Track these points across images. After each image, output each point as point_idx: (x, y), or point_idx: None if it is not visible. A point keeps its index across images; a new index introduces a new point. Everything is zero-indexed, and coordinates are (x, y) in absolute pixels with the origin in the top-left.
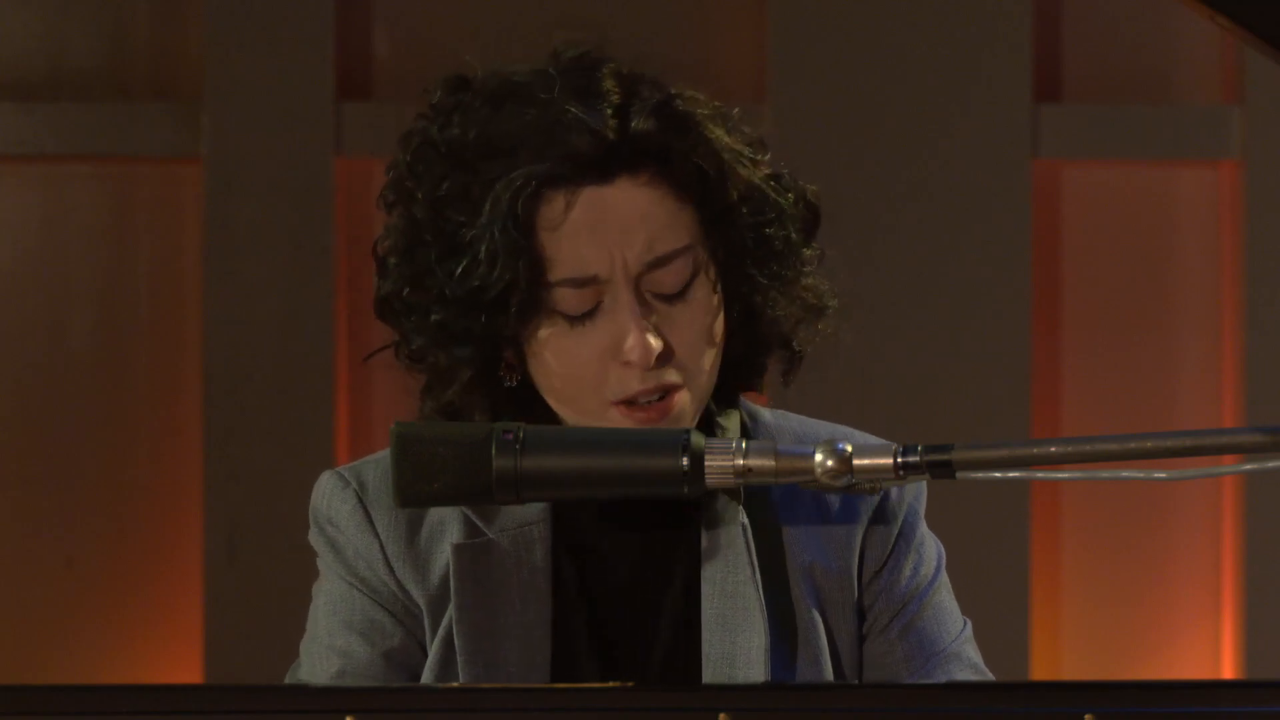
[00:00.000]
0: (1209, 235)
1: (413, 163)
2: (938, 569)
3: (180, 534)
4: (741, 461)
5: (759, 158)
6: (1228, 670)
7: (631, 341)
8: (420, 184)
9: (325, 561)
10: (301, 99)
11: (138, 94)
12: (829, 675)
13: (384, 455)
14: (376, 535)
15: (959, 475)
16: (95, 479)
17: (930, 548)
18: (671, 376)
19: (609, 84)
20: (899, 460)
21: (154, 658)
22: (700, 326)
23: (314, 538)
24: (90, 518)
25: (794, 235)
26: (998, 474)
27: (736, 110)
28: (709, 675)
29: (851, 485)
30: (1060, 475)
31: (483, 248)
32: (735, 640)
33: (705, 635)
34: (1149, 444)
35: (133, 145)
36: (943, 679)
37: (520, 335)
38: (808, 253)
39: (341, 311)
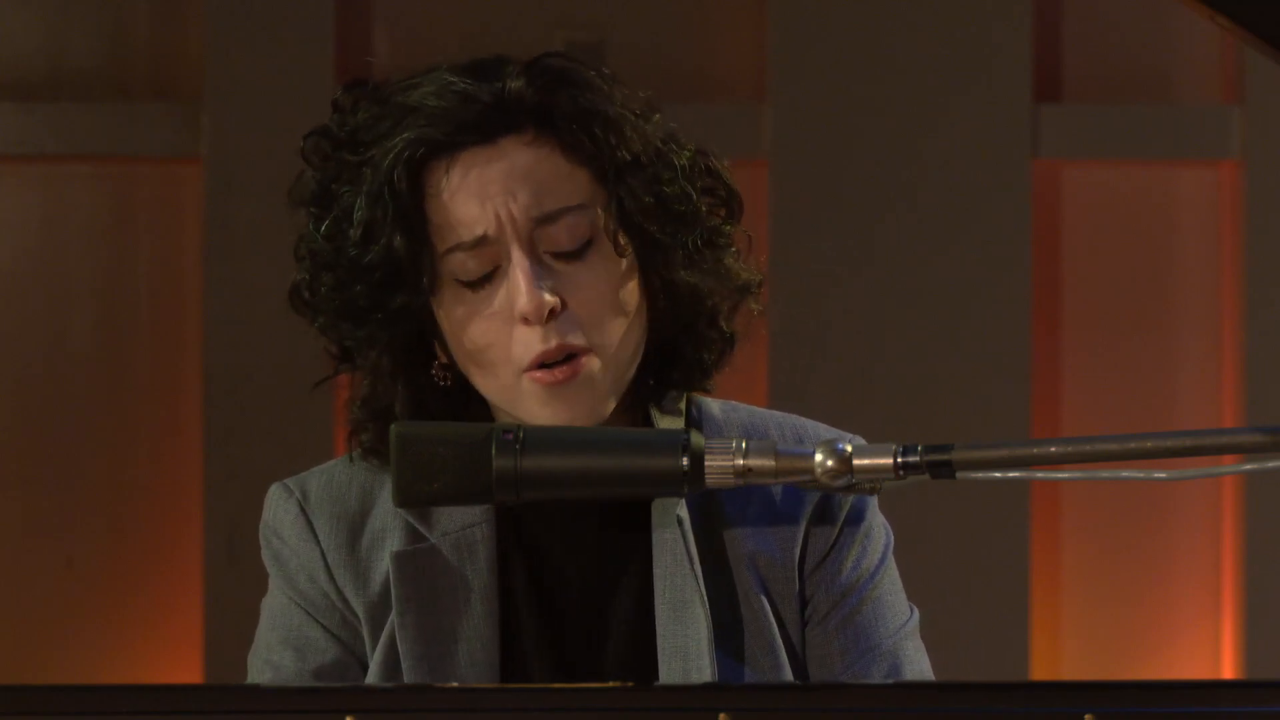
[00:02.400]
0: (1209, 235)
1: (307, 151)
2: (882, 560)
3: (180, 534)
4: (742, 461)
5: (651, 117)
6: (1228, 670)
7: (522, 295)
8: (316, 170)
9: (271, 577)
10: (301, 99)
11: (138, 94)
12: (784, 665)
13: (331, 465)
14: (318, 543)
15: (959, 475)
16: (95, 479)
17: (877, 538)
18: (575, 339)
19: (510, 67)
20: (899, 460)
21: (154, 658)
22: (602, 289)
23: (263, 553)
24: (90, 518)
25: (695, 195)
26: (998, 474)
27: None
28: (665, 667)
29: (852, 485)
30: (1060, 475)
31: (359, 214)
32: (686, 632)
33: (660, 629)
34: (1149, 444)
35: (133, 145)
36: (877, 675)
37: (428, 312)
38: (727, 227)
39: None
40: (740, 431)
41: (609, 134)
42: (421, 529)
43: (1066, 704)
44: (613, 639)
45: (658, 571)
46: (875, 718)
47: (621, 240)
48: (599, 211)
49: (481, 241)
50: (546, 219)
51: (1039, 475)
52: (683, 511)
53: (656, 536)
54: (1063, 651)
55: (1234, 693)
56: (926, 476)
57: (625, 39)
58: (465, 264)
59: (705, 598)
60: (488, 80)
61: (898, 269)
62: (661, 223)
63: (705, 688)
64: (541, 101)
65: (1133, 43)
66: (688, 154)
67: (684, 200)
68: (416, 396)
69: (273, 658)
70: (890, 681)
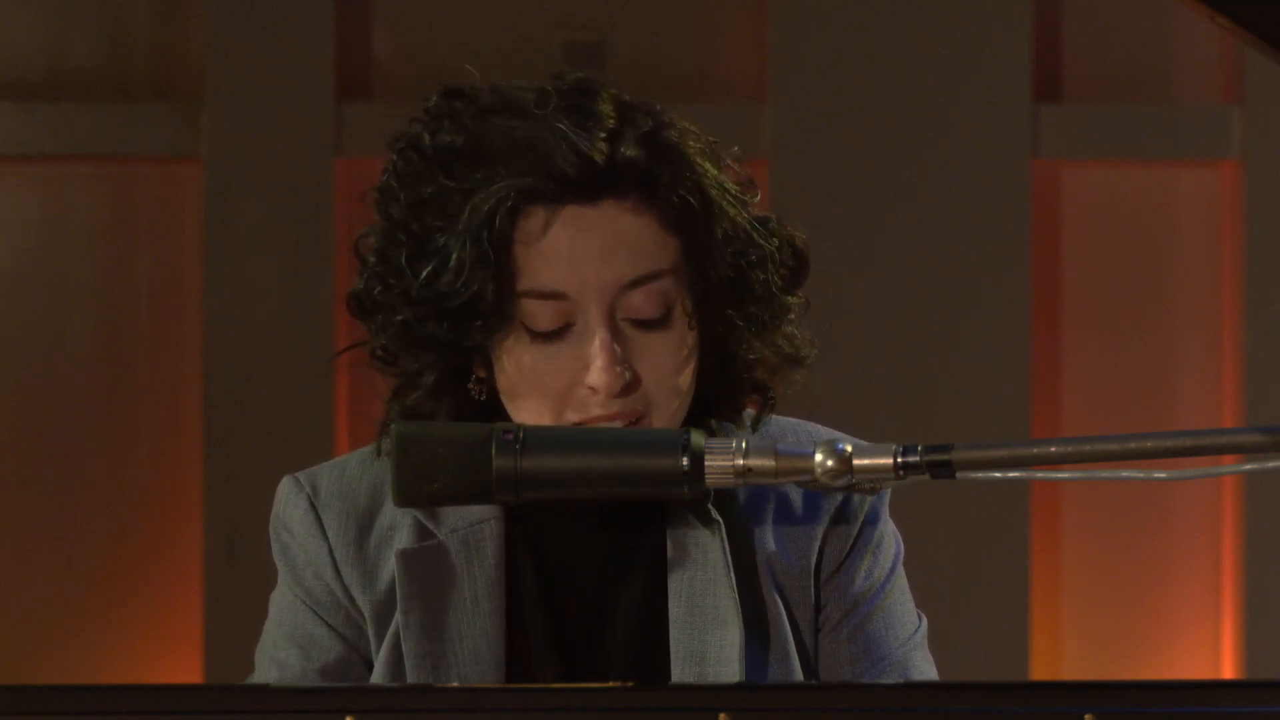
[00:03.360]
0: (1209, 235)
1: (398, 165)
2: (892, 569)
3: (180, 534)
4: (741, 461)
5: (747, 198)
6: (1228, 670)
7: (598, 370)
8: (403, 185)
9: (280, 572)
10: (301, 99)
11: (138, 94)
12: (797, 669)
13: (343, 460)
14: (325, 539)
15: (959, 475)
16: (95, 479)
17: (888, 547)
18: (635, 405)
19: (605, 108)
20: (899, 460)
21: (154, 658)
22: (672, 358)
23: (272, 546)
24: (90, 518)
25: (775, 280)
26: (998, 474)
27: (736, 149)
28: (678, 671)
29: (851, 485)
30: (1060, 475)
31: (453, 255)
32: (705, 638)
33: (673, 633)
34: (1149, 444)
35: (133, 145)
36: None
37: (486, 345)
38: (791, 300)
39: (341, 311)
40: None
41: (708, 213)
42: (430, 526)
43: (1066, 704)
44: (619, 640)
45: (673, 573)
46: (876, 718)
47: (695, 311)
48: (681, 280)
49: (561, 297)
50: (633, 285)
51: (1039, 475)
52: (718, 516)
53: (675, 539)
54: (1063, 651)
55: (1234, 693)
56: (926, 476)
57: (625, 39)
58: (539, 313)
59: (739, 605)
60: (594, 131)
61: (898, 269)
62: (738, 306)
63: (705, 688)
64: (652, 172)
65: (1133, 43)
66: (775, 240)
67: (764, 286)
68: (453, 406)
69: (278, 654)
70: (889, 681)
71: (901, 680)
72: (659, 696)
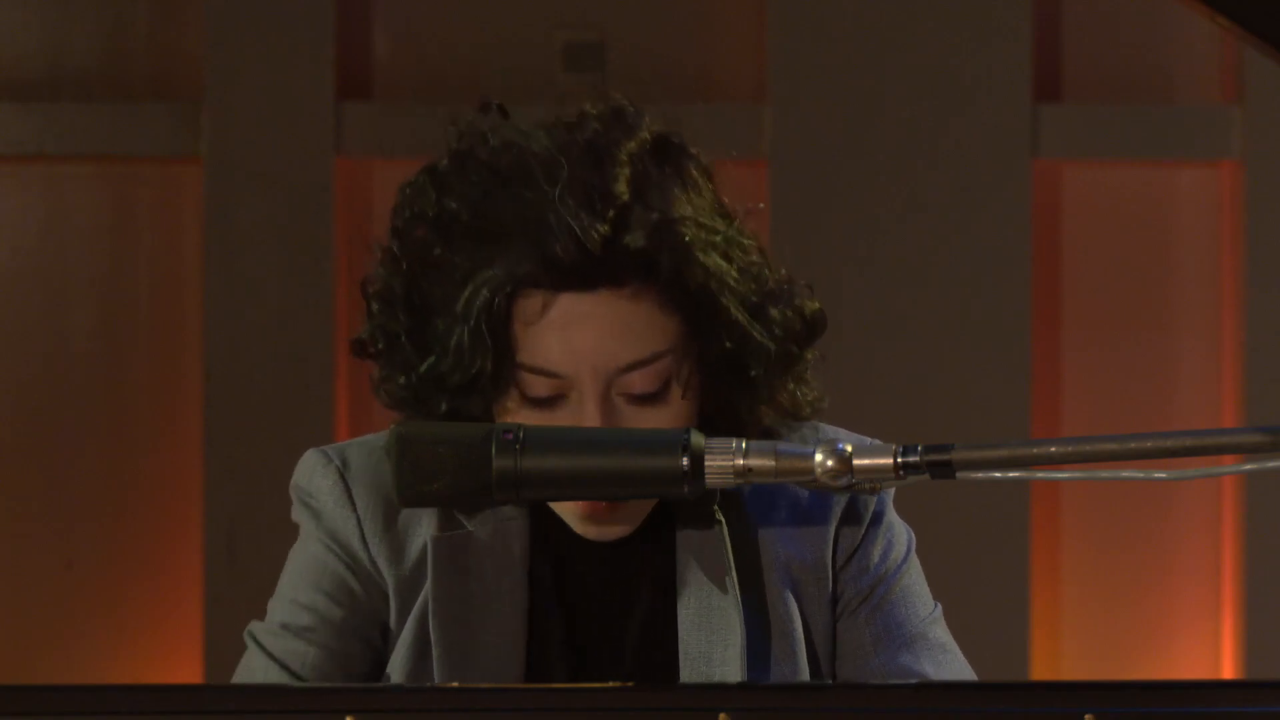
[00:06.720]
0: (1209, 235)
1: (403, 228)
2: (907, 553)
3: (180, 534)
4: (741, 461)
5: (753, 283)
6: (1228, 670)
7: None
8: (405, 250)
9: (305, 528)
10: (301, 99)
11: (138, 94)
12: (804, 670)
13: (370, 439)
14: (355, 511)
15: (959, 475)
16: (95, 479)
17: (900, 533)
18: None
19: (620, 178)
20: (899, 460)
21: (154, 658)
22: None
23: (295, 511)
24: (90, 518)
25: (777, 349)
26: (998, 474)
27: (734, 152)
28: (686, 673)
29: (851, 485)
30: (1060, 475)
31: (452, 342)
32: (712, 639)
33: (681, 634)
34: (1149, 444)
35: (133, 145)
36: (911, 661)
37: (486, 411)
38: (807, 356)
39: (341, 310)
40: None
41: (711, 301)
42: (460, 515)
43: (1066, 704)
44: (633, 639)
45: (682, 573)
46: (875, 717)
47: (694, 384)
48: (679, 356)
49: (558, 376)
50: (630, 368)
51: (1039, 475)
52: (721, 516)
53: (683, 539)
54: (1063, 651)
55: (1234, 693)
56: (926, 476)
57: (625, 39)
58: (536, 385)
59: (740, 604)
60: (595, 209)
61: (897, 269)
62: (738, 374)
63: (705, 688)
64: (655, 264)
65: (1133, 43)
66: (778, 331)
67: (767, 359)
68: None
69: (302, 599)
70: (893, 682)
71: (924, 654)
72: (659, 696)
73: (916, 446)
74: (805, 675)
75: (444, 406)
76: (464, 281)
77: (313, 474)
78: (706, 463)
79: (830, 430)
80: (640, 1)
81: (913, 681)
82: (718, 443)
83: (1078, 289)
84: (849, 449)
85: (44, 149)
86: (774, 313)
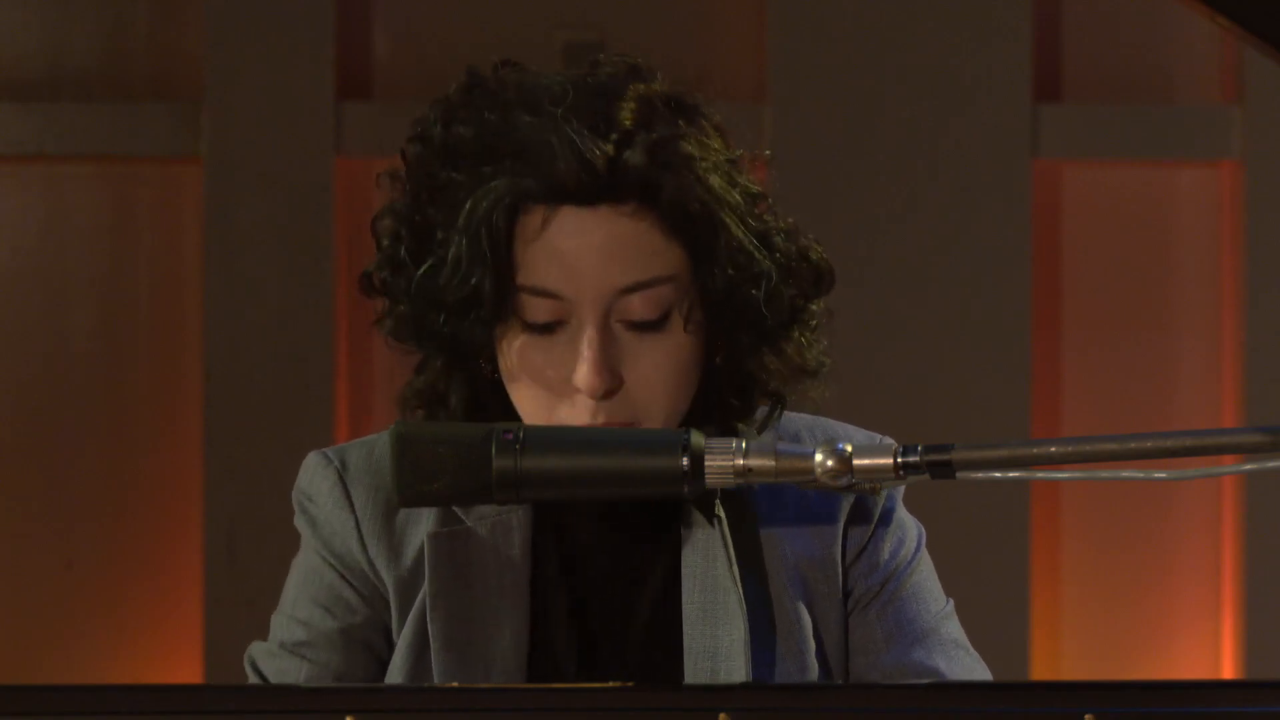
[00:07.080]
0: (1209, 235)
1: (408, 154)
2: (917, 549)
3: (180, 534)
4: (741, 461)
5: (757, 213)
6: (1228, 670)
7: (584, 370)
8: (410, 174)
9: (304, 538)
10: (301, 99)
11: (138, 94)
12: (812, 667)
13: (372, 439)
14: (353, 512)
15: (959, 475)
16: (95, 479)
17: (910, 529)
18: (621, 414)
19: (626, 109)
20: (899, 460)
21: (154, 658)
22: (665, 365)
23: (296, 518)
24: (90, 518)
25: (784, 292)
26: (998, 474)
27: (742, 152)
28: (690, 669)
29: (852, 485)
30: (1060, 475)
31: (450, 252)
32: (716, 634)
33: (686, 629)
34: (1149, 444)
35: (133, 145)
36: (924, 656)
37: (488, 338)
38: (814, 307)
39: (341, 310)
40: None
41: (710, 226)
42: (458, 511)
43: (1066, 704)
44: (639, 635)
45: (686, 571)
46: (875, 717)
47: (697, 317)
48: (682, 287)
49: (553, 296)
50: (629, 290)
51: (1039, 475)
52: (721, 511)
53: (687, 535)
54: (1063, 651)
55: (1234, 693)
56: (926, 476)
57: (625, 39)
58: (536, 308)
59: (742, 599)
60: (603, 134)
61: (897, 269)
62: (742, 314)
63: (705, 688)
64: (654, 181)
65: (1133, 43)
66: (780, 257)
67: (767, 304)
68: (470, 387)
69: (300, 614)
70: (893, 682)
71: (937, 648)
72: (659, 696)
73: (916, 446)
74: (813, 672)
75: (445, 329)
76: (466, 197)
77: (313, 476)
78: (706, 463)
79: (838, 426)
80: (640, 1)
81: (922, 680)
82: (718, 443)
83: (1078, 289)
84: (849, 449)
85: (44, 149)
86: (778, 241)
